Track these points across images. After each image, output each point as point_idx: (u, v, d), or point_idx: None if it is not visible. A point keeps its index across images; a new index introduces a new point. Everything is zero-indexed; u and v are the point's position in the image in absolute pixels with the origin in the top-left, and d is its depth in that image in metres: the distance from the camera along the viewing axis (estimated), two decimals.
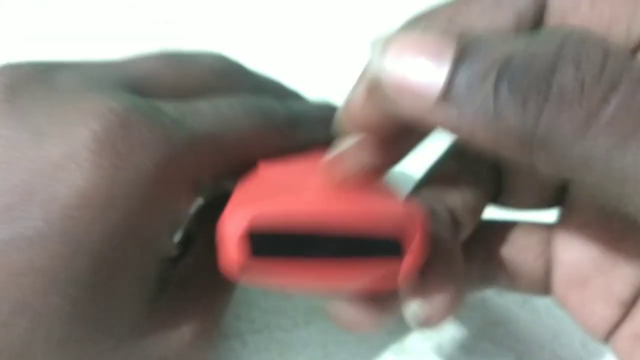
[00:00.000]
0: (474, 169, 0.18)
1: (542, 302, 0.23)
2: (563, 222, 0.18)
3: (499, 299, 0.23)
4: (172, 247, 0.19)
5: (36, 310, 0.14)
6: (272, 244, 0.13)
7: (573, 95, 0.11)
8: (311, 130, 0.20)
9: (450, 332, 0.22)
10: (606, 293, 0.17)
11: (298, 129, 0.19)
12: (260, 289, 0.23)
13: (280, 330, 0.22)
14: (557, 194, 0.18)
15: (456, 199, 0.17)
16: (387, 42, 0.13)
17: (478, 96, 0.12)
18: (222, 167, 0.18)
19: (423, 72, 0.12)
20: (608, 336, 0.17)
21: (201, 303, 0.18)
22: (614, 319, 0.17)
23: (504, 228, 0.18)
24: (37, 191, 0.14)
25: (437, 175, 0.18)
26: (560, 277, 0.18)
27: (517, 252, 0.18)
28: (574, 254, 0.17)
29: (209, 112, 0.17)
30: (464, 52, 0.12)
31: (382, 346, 0.22)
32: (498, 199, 0.19)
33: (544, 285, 0.18)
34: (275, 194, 0.14)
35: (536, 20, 0.15)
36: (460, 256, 0.16)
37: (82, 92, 0.16)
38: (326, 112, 0.20)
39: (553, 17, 0.15)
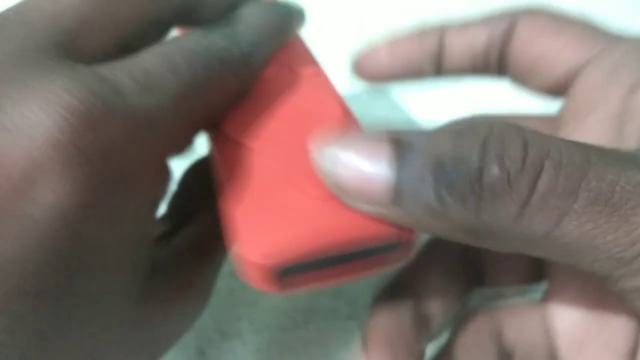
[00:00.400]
0: (446, 262, 0.19)
1: None
2: (550, 292, 0.19)
3: (499, 300, 0.23)
4: (156, 228, 0.18)
5: (30, 327, 0.14)
6: (292, 268, 0.14)
7: (502, 190, 0.13)
8: (265, 53, 0.19)
9: None
10: (606, 351, 0.17)
11: (253, 63, 0.18)
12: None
13: (280, 330, 0.22)
14: (540, 265, 0.19)
15: (427, 295, 0.18)
16: (336, 145, 0.14)
17: (422, 198, 0.13)
18: (191, 132, 0.17)
19: (366, 178, 0.14)
20: None
21: (194, 283, 0.18)
22: None
23: (509, 313, 0.19)
24: (6, 210, 0.13)
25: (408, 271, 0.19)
26: (561, 345, 0.18)
27: (526, 334, 0.18)
28: (567, 319, 0.18)
29: (168, 75, 0.16)
30: (400, 156, 0.13)
31: None
32: (485, 281, 0.20)
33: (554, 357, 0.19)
34: (278, 217, 0.15)
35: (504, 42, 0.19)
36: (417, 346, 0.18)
37: (23, 79, 0.14)
38: (276, 16, 0.20)
39: (516, 42, 0.19)
